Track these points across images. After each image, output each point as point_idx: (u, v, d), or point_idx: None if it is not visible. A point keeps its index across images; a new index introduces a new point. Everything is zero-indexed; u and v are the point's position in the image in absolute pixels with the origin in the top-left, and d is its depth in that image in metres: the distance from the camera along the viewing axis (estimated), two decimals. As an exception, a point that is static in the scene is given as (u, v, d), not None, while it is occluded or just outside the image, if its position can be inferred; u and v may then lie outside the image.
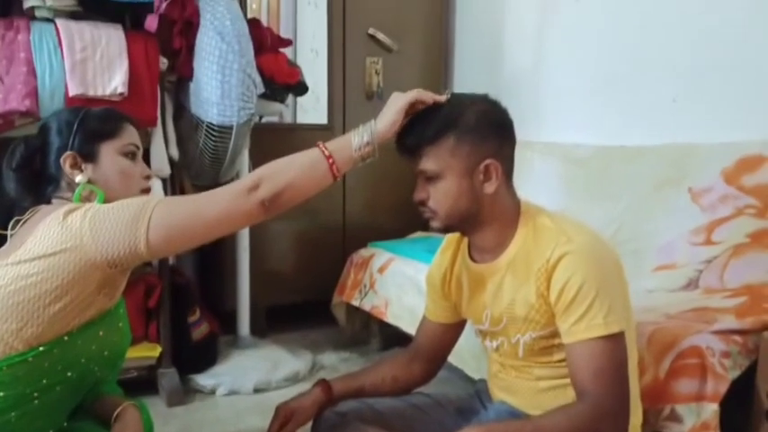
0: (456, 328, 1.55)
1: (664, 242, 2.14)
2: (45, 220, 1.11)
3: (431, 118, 1.27)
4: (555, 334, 1.28)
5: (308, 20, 3.29)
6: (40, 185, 1.28)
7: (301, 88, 2.70)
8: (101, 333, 1.17)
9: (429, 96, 1.28)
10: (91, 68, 2.06)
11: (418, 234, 3.09)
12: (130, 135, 1.33)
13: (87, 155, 1.27)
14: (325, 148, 1.19)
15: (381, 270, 2.65)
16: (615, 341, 1.20)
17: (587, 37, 2.79)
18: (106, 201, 1.23)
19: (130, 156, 1.31)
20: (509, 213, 1.33)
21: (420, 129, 1.27)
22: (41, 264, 1.06)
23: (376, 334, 2.94)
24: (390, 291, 2.56)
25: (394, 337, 2.81)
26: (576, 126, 2.81)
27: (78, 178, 1.25)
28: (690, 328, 1.57)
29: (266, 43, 2.55)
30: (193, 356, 2.51)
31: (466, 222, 1.32)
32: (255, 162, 2.70)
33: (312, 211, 3.12)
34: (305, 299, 3.13)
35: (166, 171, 2.32)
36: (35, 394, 1.10)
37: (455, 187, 1.28)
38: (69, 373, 1.13)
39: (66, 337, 1.11)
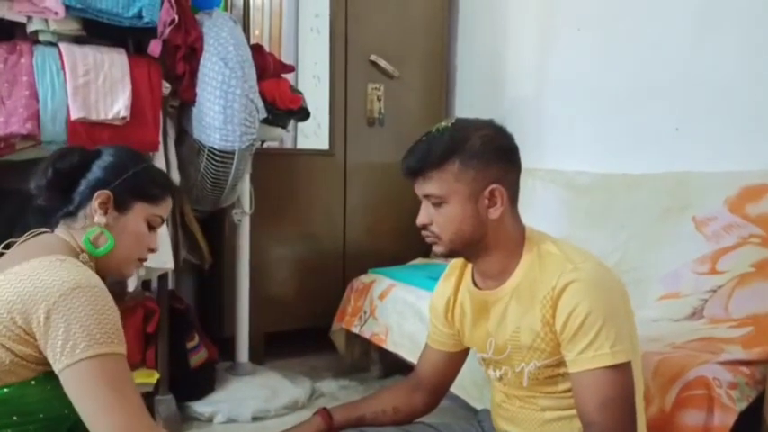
0: (459, 356, 1.53)
1: (668, 271, 2.13)
2: (29, 261, 1.08)
3: (436, 143, 1.27)
4: (560, 363, 1.26)
5: (309, 46, 3.32)
6: (53, 208, 1.25)
7: (303, 114, 2.70)
8: None
9: None
10: (93, 92, 2.05)
11: (419, 260, 3.09)
12: (165, 208, 1.31)
13: (120, 204, 1.24)
14: None
15: (382, 297, 2.64)
16: (622, 371, 1.18)
17: (589, 65, 2.80)
18: (112, 251, 1.22)
19: (152, 226, 1.30)
20: (514, 239, 1.32)
21: (425, 152, 1.27)
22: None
23: (376, 361, 2.91)
24: (391, 318, 2.55)
25: (394, 365, 2.78)
26: (578, 154, 2.81)
27: (98, 219, 1.22)
28: (696, 358, 1.55)
29: (269, 69, 2.55)
30: (191, 383, 2.48)
31: (470, 247, 1.31)
32: (257, 187, 2.71)
33: (312, 237, 3.13)
34: (304, 325, 3.12)
35: None
36: (8, 430, 1.06)
37: (459, 212, 1.27)
38: (41, 415, 1.09)
39: (32, 382, 1.07)
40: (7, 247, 1.22)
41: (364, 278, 2.85)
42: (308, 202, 3.09)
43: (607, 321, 1.18)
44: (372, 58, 3.19)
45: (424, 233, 1.34)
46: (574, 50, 2.89)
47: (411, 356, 2.36)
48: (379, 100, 3.21)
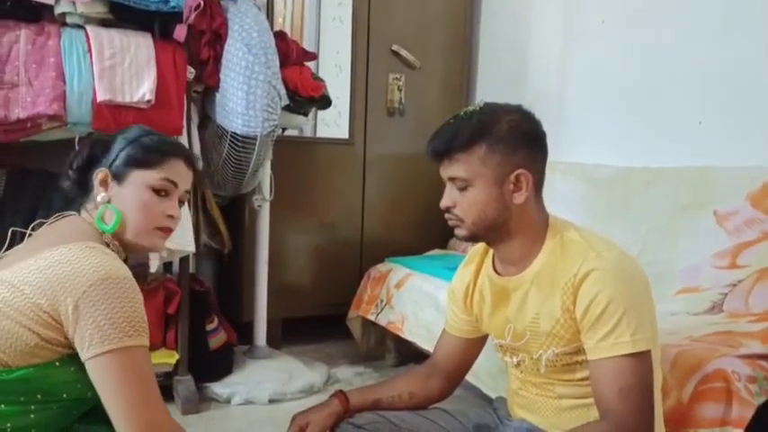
0: (476, 343, 1.53)
1: (687, 265, 2.11)
2: (58, 248, 1.10)
3: (464, 125, 1.27)
4: (579, 351, 1.26)
5: (331, 35, 3.31)
6: (79, 192, 1.27)
7: (325, 102, 2.70)
8: None
9: None
10: (119, 75, 2.07)
11: (436, 251, 3.10)
12: (171, 171, 1.26)
13: (118, 176, 1.24)
14: None
15: (398, 286, 2.65)
16: (642, 360, 1.18)
17: (612, 57, 2.78)
18: (122, 225, 1.21)
19: (162, 192, 1.25)
20: (537, 226, 1.32)
21: (452, 134, 1.27)
22: (23, 302, 1.05)
23: (391, 350, 2.93)
24: (407, 307, 2.55)
25: (409, 353, 2.80)
26: (599, 146, 2.79)
27: (100, 197, 1.23)
28: (715, 351, 1.54)
29: (291, 56, 2.55)
30: (210, 365, 2.50)
31: (492, 232, 1.31)
32: (277, 174, 2.72)
33: (330, 225, 3.14)
34: (320, 312, 3.13)
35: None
36: (32, 407, 1.07)
37: (484, 196, 1.27)
38: (65, 395, 1.10)
39: (57, 363, 1.08)
40: (35, 228, 1.24)
41: (381, 267, 2.85)
42: (326, 191, 3.10)
43: (629, 310, 1.18)
44: (394, 47, 3.19)
45: (447, 216, 1.33)
46: (597, 43, 2.86)
47: (427, 345, 2.37)
48: (399, 90, 3.21)
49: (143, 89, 2.10)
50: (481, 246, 1.45)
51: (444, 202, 1.31)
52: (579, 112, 2.94)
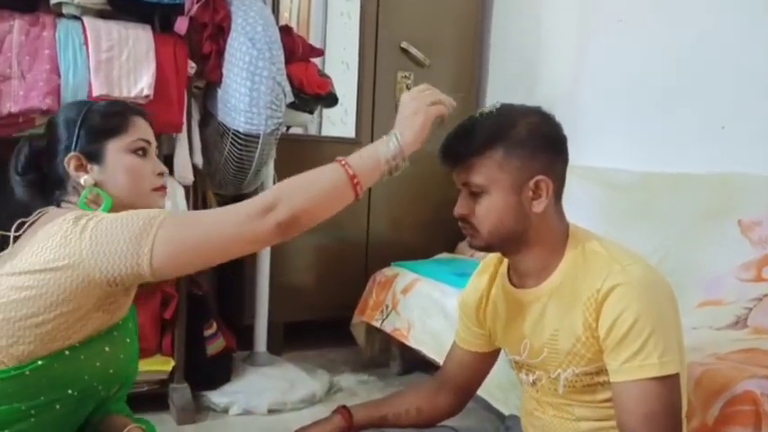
0: (489, 357, 1.47)
1: (710, 277, 2.04)
2: (47, 227, 1.04)
3: (479, 128, 1.21)
4: (601, 371, 1.19)
5: (338, 31, 3.27)
6: (47, 189, 1.21)
7: (331, 99, 2.66)
8: (106, 348, 1.10)
9: (449, 103, 1.20)
10: (116, 68, 2.03)
11: (443, 255, 3.06)
12: (139, 129, 1.23)
13: (92, 155, 1.19)
14: (349, 167, 1.09)
15: (405, 291, 2.61)
16: (670, 384, 1.11)
17: (630, 58, 2.71)
18: (116, 201, 1.16)
19: (140, 152, 1.22)
20: (556, 235, 1.26)
21: (467, 139, 1.21)
22: (37, 278, 0.99)
23: (396, 357, 2.88)
24: (414, 313, 2.51)
25: (415, 361, 2.76)
26: (617, 150, 2.73)
27: (83, 180, 1.17)
28: (743, 371, 1.46)
29: (297, 52, 2.51)
30: (207, 372, 2.45)
31: (509, 242, 1.24)
32: (280, 174, 2.68)
33: (335, 227, 3.05)
34: (323, 316, 3.10)
35: (189, 179, 2.28)
36: (31, 411, 1.03)
37: (501, 203, 1.21)
38: (70, 391, 1.06)
39: (67, 352, 1.04)
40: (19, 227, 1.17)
41: (387, 271, 2.81)
42: None
43: (656, 329, 1.11)
44: (403, 45, 3.14)
45: (461, 224, 1.27)
46: (614, 42, 2.80)
47: (433, 354, 2.33)
48: (408, 88, 3.13)
49: (141, 84, 2.06)
50: (495, 254, 1.39)
51: (458, 211, 1.25)
52: (595, 114, 2.88)
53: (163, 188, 1.25)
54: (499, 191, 1.20)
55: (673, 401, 1.12)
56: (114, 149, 1.19)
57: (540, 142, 1.21)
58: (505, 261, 1.36)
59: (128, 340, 1.17)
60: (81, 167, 1.18)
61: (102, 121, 1.20)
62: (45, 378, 1.02)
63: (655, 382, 1.10)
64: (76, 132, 1.19)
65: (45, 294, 0.99)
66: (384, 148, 1.12)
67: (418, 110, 1.16)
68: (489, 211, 1.21)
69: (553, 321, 1.23)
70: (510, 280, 1.34)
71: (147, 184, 1.22)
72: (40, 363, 1.01)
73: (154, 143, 1.26)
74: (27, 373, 1.00)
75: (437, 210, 3.17)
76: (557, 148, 1.25)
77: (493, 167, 1.20)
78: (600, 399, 1.22)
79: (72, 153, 1.18)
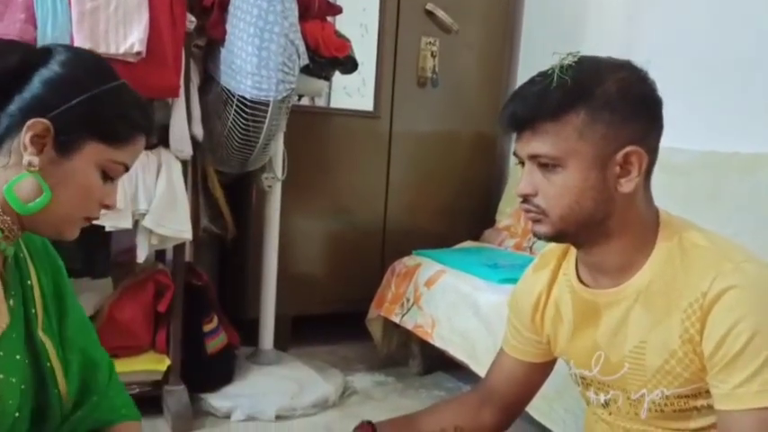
0: (544, 368, 1.32)
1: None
2: None
3: (555, 85, 1.01)
4: (699, 393, 1.05)
5: (357, -11, 3.07)
6: None
7: (351, 64, 2.45)
8: None
9: None
10: (103, 20, 1.86)
11: (468, 243, 2.93)
12: (132, 152, 0.98)
13: (64, 141, 0.89)
14: None
15: (429, 284, 2.45)
16: None
17: (694, 22, 2.49)
18: (47, 207, 0.89)
19: (110, 175, 0.97)
20: (646, 224, 1.08)
21: (539, 97, 1.03)
22: None
23: (416, 355, 2.74)
24: (439, 309, 2.35)
25: (436, 360, 2.66)
26: (676, 127, 2.43)
27: (27, 158, 0.87)
28: None
29: (313, 8, 2.29)
30: (207, 372, 2.33)
31: (586, 231, 1.07)
32: (289, 150, 2.54)
33: (349, 210, 3.00)
34: (335, 309, 2.99)
35: (188, 152, 2.12)
36: None
37: (579, 180, 1.03)
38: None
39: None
40: None
41: (408, 261, 2.65)
42: (346, 171, 2.95)
43: None
44: (429, 7, 2.98)
45: (523, 207, 1.09)
46: (672, 7, 2.58)
47: (462, 355, 2.21)
48: (433, 56, 3.01)
49: (131, 39, 1.89)
50: (557, 245, 1.22)
51: (522, 189, 1.07)
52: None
53: (94, 219, 0.99)
54: (578, 165, 1.02)
55: None
56: (90, 154, 0.92)
57: (633, 105, 1.03)
58: (572, 254, 1.19)
59: (17, 357, 0.92)
60: (38, 142, 0.88)
61: (114, 115, 0.93)
62: None
63: None
64: (76, 100, 0.89)
65: None
66: None
67: None
68: (564, 191, 1.03)
69: (639, 331, 1.08)
70: (579, 277, 1.17)
71: (83, 212, 0.96)
72: None
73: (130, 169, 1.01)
74: None
75: (460, 194, 3.11)
76: (653, 113, 1.06)
77: (571, 135, 1.01)
78: (693, 427, 1.08)
79: (43, 119, 0.88)
